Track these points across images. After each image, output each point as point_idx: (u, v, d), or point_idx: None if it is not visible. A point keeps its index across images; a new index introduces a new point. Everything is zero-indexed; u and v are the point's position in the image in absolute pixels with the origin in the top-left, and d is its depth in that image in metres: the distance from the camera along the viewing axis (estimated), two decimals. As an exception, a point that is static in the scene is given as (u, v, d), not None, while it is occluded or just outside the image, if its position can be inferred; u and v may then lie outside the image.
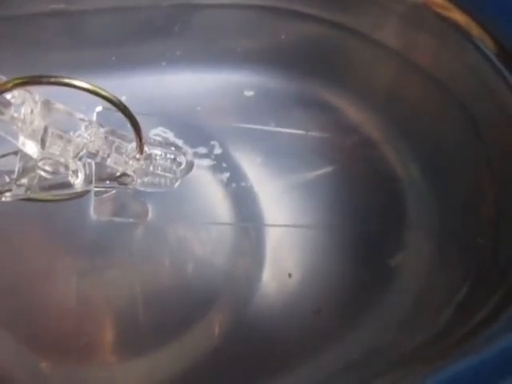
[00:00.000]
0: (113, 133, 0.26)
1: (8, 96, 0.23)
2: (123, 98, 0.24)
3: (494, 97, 0.28)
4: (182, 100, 0.33)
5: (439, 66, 0.31)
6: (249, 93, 0.34)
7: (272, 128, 0.33)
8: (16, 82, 0.23)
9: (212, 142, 0.32)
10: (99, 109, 0.26)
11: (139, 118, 0.25)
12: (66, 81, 0.23)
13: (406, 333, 0.27)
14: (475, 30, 0.28)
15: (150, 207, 0.30)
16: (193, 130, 0.32)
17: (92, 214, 0.29)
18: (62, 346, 0.28)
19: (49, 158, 0.25)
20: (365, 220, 0.31)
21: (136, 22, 0.33)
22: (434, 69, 0.31)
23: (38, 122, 0.24)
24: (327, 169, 0.33)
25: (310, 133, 0.33)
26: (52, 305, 0.28)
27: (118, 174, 0.27)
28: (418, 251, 0.30)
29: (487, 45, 0.28)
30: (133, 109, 0.25)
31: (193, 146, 0.31)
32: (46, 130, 0.24)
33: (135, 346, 0.28)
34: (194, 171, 0.29)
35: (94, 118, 0.27)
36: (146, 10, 0.33)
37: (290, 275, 0.29)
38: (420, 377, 0.22)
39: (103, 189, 0.27)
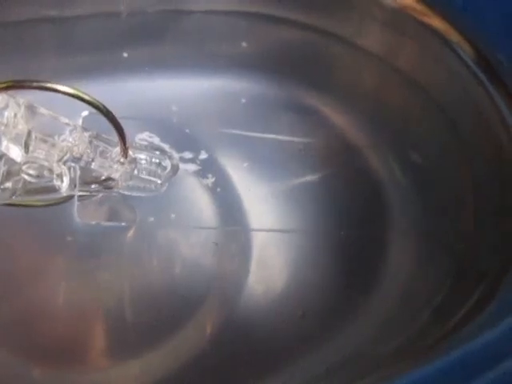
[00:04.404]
0: (97, 137, 0.26)
1: (-9, 100, 0.24)
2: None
3: (472, 101, 0.29)
4: (168, 105, 0.34)
5: (420, 71, 0.31)
6: (234, 98, 0.34)
7: (258, 134, 0.34)
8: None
9: (198, 147, 0.33)
10: (85, 113, 0.27)
11: (126, 123, 0.26)
12: (49, 85, 0.23)
13: (387, 335, 0.28)
14: (454, 37, 0.28)
15: (136, 211, 0.31)
16: (179, 135, 0.33)
17: (76, 217, 0.29)
18: (53, 351, 0.28)
19: (33, 162, 0.25)
20: (349, 224, 0.32)
21: (124, 28, 0.33)
22: (416, 74, 0.31)
23: (22, 126, 0.24)
24: (312, 174, 0.33)
25: (294, 138, 0.34)
26: (42, 309, 0.29)
27: (103, 178, 0.27)
28: (401, 255, 0.30)
29: (466, 51, 0.28)
30: (120, 113, 0.26)
31: (178, 150, 0.31)
32: (29, 134, 0.24)
33: (127, 348, 0.28)
34: (180, 176, 0.29)
35: (80, 122, 0.27)
36: (133, 16, 0.33)
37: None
38: (398, 377, 0.22)
39: (88, 193, 0.28)
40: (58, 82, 0.24)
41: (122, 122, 0.26)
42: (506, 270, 0.24)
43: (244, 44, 0.34)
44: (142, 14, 0.33)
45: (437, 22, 0.29)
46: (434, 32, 0.29)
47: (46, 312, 0.28)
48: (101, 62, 0.34)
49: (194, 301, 0.29)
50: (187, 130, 0.33)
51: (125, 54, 0.34)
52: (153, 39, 0.34)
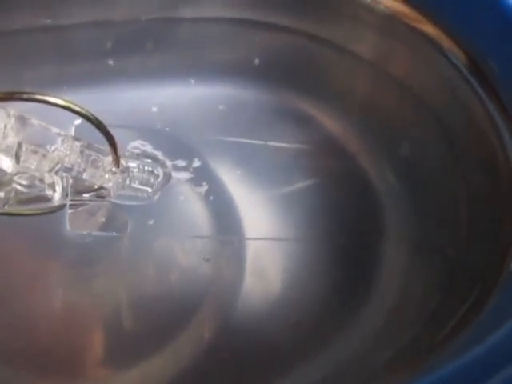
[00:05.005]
0: (89, 146, 0.26)
1: (-20, 112, 0.24)
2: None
3: (464, 107, 0.28)
4: (161, 113, 0.34)
5: (413, 77, 0.31)
6: (227, 105, 0.34)
7: (251, 141, 0.33)
8: (-12, 98, 0.23)
9: (191, 155, 0.32)
10: (78, 122, 0.27)
11: (119, 132, 0.26)
12: (39, 97, 0.23)
13: (380, 345, 0.28)
14: (446, 43, 0.28)
15: (130, 220, 0.31)
16: (171, 143, 0.33)
17: (68, 227, 0.29)
18: (50, 360, 0.28)
19: (24, 173, 0.25)
20: (343, 231, 0.31)
21: (115, 37, 0.33)
22: (408, 79, 0.31)
23: (12, 138, 0.24)
24: (306, 181, 0.33)
25: (287, 144, 0.34)
26: (39, 318, 0.28)
27: (96, 187, 0.27)
28: (395, 263, 0.30)
29: (458, 57, 0.28)
30: (113, 122, 0.26)
31: (171, 159, 0.31)
32: (20, 145, 0.24)
33: (125, 356, 0.28)
34: (173, 184, 0.29)
35: (73, 130, 0.27)
36: (126, 24, 0.33)
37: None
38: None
39: (79, 202, 0.28)
40: (48, 93, 0.24)
41: (115, 131, 0.26)
42: (499, 274, 0.24)
43: (235, 51, 0.34)
44: (136, 22, 0.33)
45: (429, 28, 0.29)
46: (426, 38, 0.29)
47: (43, 321, 0.28)
48: (94, 71, 0.34)
49: (190, 308, 0.29)
50: (180, 138, 0.33)
51: (117, 63, 0.34)
52: (145, 47, 0.34)
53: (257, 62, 0.34)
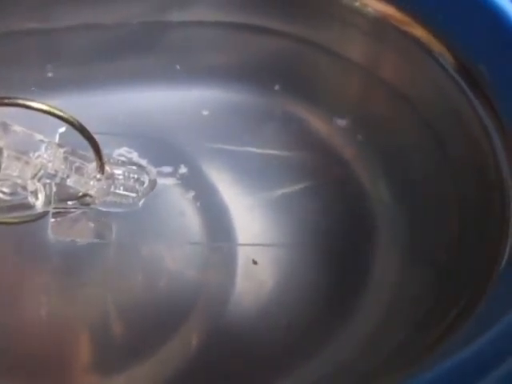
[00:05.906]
0: (73, 153, 0.26)
1: (-40, 118, 0.23)
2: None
3: (455, 111, 0.28)
4: (148, 119, 0.33)
5: (403, 81, 0.31)
6: (214, 110, 0.34)
7: (239, 146, 0.33)
8: (-31, 104, 0.23)
9: (177, 161, 0.32)
10: (62, 129, 0.26)
11: (104, 138, 0.26)
12: (21, 102, 0.23)
13: (374, 348, 0.27)
14: (436, 47, 0.28)
15: (114, 227, 0.30)
16: (158, 149, 0.32)
17: (50, 234, 0.28)
18: (35, 369, 0.27)
19: (6, 180, 0.25)
20: (335, 237, 0.31)
21: (106, 40, 0.33)
22: (399, 83, 0.31)
23: (-7, 144, 0.24)
24: (297, 186, 0.33)
25: (277, 149, 0.33)
26: (25, 326, 0.28)
27: (80, 194, 0.27)
28: (385, 267, 0.30)
29: (448, 61, 0.28)
30: (98, 127, 0.26)
31: (157, 165, 0.30)
32: (1, 152, 0.24)
33: (112, 364, 0.28)
34: (159, 191, 0.29)
35: (57, 138, 0.27)
36: (116, 27, 0.33)
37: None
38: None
39: (63, 209, 0.27)
40: (32, 98, 0.24)
41: (99, 137, 0.26)
42: (490, 277, 0.24)
43: (225, 55, 0.34)
44: (126, 25, 0.32)
45: (419, 32, 0.28)
46: (416, 42, 0.29)
47: (29, 329, 0.28)
48: (81, 75, 0.34)
49: (180, 313, 0.29)
50: (167, 144, 0.32)
51: (105, 67, 0.34)
52: (135, 51, 0.33)
53: (247, 65, 0.34)
